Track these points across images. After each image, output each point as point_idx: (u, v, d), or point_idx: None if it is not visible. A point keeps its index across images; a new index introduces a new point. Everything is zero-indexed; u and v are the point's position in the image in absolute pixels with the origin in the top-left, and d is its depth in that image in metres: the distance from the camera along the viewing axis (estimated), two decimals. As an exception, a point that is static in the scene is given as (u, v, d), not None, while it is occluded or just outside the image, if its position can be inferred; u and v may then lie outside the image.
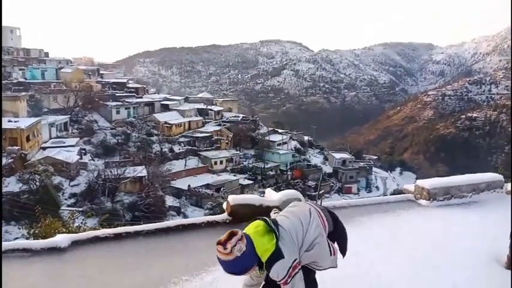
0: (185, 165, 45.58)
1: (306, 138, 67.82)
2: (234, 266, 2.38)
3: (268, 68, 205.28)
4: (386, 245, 4.35)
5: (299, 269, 2.48)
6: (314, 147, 66.74)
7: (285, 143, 57.89)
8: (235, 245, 2.34)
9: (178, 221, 4.60)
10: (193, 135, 51.41)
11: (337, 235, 2.78)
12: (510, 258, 3.84)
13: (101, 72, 63.60)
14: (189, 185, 40.47)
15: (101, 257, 3.82)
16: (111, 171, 33.75)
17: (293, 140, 61.86)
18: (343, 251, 2.84)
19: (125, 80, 63.39)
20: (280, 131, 62.84)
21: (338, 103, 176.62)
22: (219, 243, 2.39)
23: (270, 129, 62.16)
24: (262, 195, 5.93)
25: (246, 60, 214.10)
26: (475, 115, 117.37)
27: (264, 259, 2.42)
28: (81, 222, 16.93)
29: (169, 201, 36.58)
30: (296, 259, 2.47)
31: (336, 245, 2.77)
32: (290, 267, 2.42)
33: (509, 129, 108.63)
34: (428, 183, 5.99)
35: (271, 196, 5.19)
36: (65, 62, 60.59)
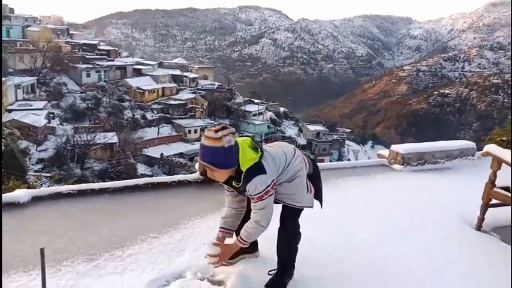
0: (158, 133, 44.85)
1: (281, 109, 67.75)
2: (216, 156, 2.25)
3: (246, 35, 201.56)
4: (361, 205, 4.35)
5: (273, 192, 2.40)
6: (289, 119, 66.88)
7: (261, 113, 57.63)
8: (226, 135, 2.22)
9: (147, 179, 4.40)
10: (167, 103, 50.32)
11: (315, 179, 2.71)
12: (480, 220, 3.89)
13: (70, 32, 60.65)
14: (161, 154, 39.95)
15: (64, 213, 3.60)
16: (80, 137, 32.90)
17: (269, 110, 61.68)
18: (320, 199, 2.76)
19: (96, 42, 60.74)
20: (256, 101, 62.36)
21: (315, 75, 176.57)
22: (209, 130, 2.28)
23: (246, 99, 61.59)
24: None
25: (224, 26, 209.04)
26: (447, 91, 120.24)
27: (244, 168, 2.30)
28: (48, 187, 16.48)
29: (141, 169, 36.07)
30: (274, 179, 2.39)
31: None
32: (269, 185, 2.33)
33: (479, 106, 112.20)
34: (402, 148, 6.01)
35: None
36: (32, 19, 57.13)
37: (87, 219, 3.51)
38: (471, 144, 6.52)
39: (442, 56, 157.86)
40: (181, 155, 41.32)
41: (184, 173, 33.18)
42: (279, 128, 58.35)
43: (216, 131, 2.23)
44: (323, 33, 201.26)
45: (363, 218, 4.00)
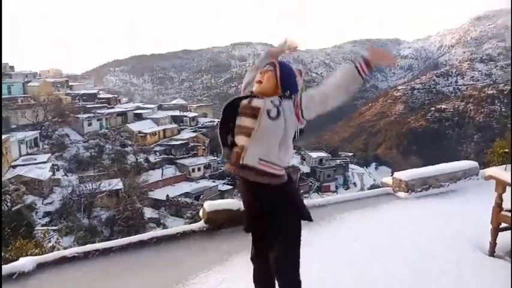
0: (162, 174, 44.83)
1: (282, 139, 67.82)
2: (286, 69, 2.41)
3: (241, 71, 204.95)
4: (369, 239, 4.27)
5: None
6: (291, 148, 66.82)
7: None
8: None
9: (152, 233, 4.36)
10: (169, 143, 50.62)
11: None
12: (492, 246, 3.81)
13: (70, 83, 61.94)
14: (167, 195, 39.80)
15: (69, 280, 3.54)
16: (85, 186, 32.89)
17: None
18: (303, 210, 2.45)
19: (95, 91, 61.96)
20: (256, 133, 62.60)
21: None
22: None
23: (247, 132, 61.94)
24: (240, 199, 5.75)
25: (219, 64, 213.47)
26: (443, 107, 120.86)
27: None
28: (56, 242, 16.31)
29: (148, 213, 35.86)
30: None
31: None
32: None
33: (477, 118, 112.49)
34: (405, 175, 5.97)
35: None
36: (32, 75, 58.48)
37: (93, 284, 3.45)
38: (473, 164, 6.49)
39: (435, 72, 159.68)
40: (186, 194, 41.15)
41: (192, 214, 32.95)
42: (281, 158, 58.21)
43: None
44: (315, 62, 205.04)
45: (371, 254, 3.91)
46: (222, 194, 42.74)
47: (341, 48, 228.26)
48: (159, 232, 4.37)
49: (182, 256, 3.92)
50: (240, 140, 2.39)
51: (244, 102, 2.39)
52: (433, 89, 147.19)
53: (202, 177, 46.58)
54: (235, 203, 4.55)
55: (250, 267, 2.62)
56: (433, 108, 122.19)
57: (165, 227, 35.12)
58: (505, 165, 6.91)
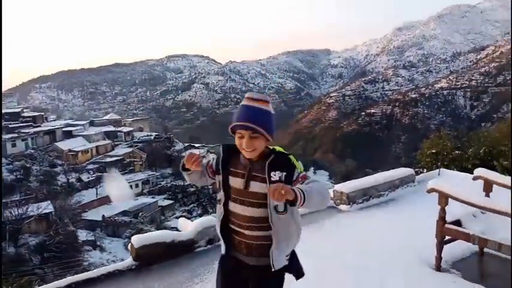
0: (97, 194, 42.35)
1: (223, 149, 67.71)
2: (266, 119, 1.97)
3: (177, 83, 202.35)
4: (313, 259, 3.98)
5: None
6: (232, 158, 66.79)
7: (204, 157, 56.87)
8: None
9: (68, 279, 3.71)
10: (103, 161, 48.15)
11: None
12: (438, 260, 3.71)
13: (-11, 103, 56.76)
14: (103, 215, 37.64)
15: None
16: (11, 212, 30.16)
17: (211, 153, 61.12)
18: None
19: (19, 109, 57.24)
20: (196, 145, 61.75)
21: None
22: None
23: (186, 144, 60.82)
24: (182, 217, 5.36)
25: (154, 76, 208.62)
26: (373, 111, 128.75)
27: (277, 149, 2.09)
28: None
29: (83, 235, 33.69)
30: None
31: None
32: None
33: (403, 120, 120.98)
34: (346, 187, 5.86)
35: (185, 227, 4.59)
36: None
37: None
38: (410, 171, 6.59)
39: (363, 79, 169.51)
40: (124, 213, 39.14)
41: (131, 233, 31.30)
42: (224, 169, 57.97)
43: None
44: (252, 73, 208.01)
45: (316, 275, 3.64)
46: (162, 209, 41.31)
47: (275, 59, 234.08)
48: (78, 276, 3.75)
49: (106, 305, 3.38)
50: (239, 228, 2.09)
51: (239, 181, 2.07)
52: (362, 95, 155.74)
53: (141, 194, 44.75)
54: (168, 235, 4.08)
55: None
56: (363, 113, 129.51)
57: (101, 248, 33.22)
58: (437, 170, 7.12)
